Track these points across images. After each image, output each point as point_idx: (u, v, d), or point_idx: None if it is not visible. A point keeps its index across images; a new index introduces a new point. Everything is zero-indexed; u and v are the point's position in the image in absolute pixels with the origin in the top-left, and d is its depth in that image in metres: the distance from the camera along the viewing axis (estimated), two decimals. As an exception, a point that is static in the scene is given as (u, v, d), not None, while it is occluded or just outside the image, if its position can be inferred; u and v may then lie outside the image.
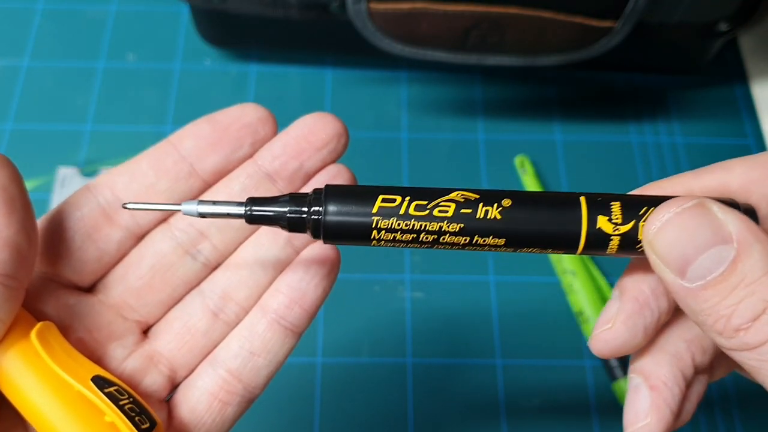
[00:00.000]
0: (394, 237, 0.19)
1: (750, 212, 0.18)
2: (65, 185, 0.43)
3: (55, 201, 0.43)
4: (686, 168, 0.49)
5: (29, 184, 0.46)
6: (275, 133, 0.24)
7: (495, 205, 0.18)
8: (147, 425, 0.20)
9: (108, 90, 0.49)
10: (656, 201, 0.18)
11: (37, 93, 0.49)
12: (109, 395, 0.20)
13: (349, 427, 0.40)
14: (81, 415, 0.20)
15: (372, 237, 0.19)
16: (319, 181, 0.24)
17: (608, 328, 0.20)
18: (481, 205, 0.18)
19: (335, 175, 0.25)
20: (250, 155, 0.24)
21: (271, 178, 0.24)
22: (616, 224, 0.18)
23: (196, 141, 0.23)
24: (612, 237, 0.18)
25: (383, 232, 0.19)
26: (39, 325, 0.20)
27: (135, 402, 0.21)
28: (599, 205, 0.18)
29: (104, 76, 0.50)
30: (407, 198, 0.19)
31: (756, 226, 0.17)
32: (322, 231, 0.19)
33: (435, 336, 0.42)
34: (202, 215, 0.20)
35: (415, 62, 0.46)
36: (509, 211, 0.18)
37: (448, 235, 0.19)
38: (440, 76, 0.51)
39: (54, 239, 0.22)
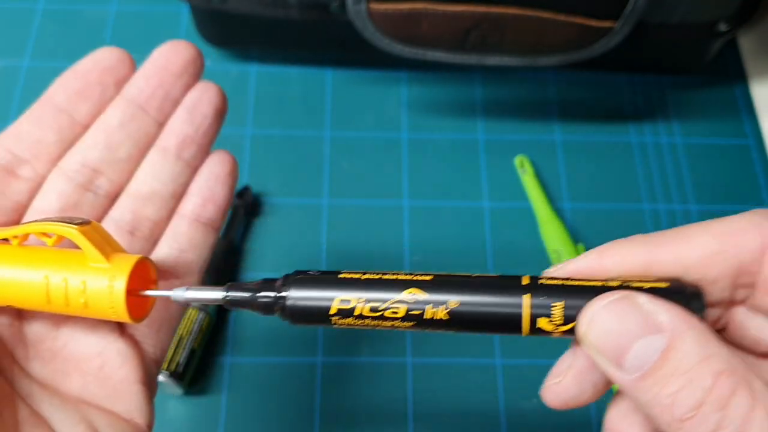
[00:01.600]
0: (352, 326, 0.21)
1: (694, 295, 0.18)
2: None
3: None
4: (686, 168, 0.49)
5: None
6: (134, 70, 0.26)
7: (442, 307, 0.20)
8: (79, 221, 0.22)
9: (108, 90, 0.50)
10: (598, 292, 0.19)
11: (38, 93, 0.49)
12: (29, 223, 0.22)
13: (349, 426, 0.40)
14: (30, 256, 0.21)
15: (333, 323, 0.21)
16: (189, 104, 0.26)
17: (557, 382, 0.20)
18: (429, 307, 0.20)
19: (202, 94, 0.26)
20: (117, 94, 0.26)
21: (143, 109, 0.26)
22: (556, 325, 0.19)
23: (66, 92, 0.25)
24: (553, 333, 0.19)
25: (342, 323, 0.21)
26: None
27: (60, 218, 0.22)
28: (541, 307, 0.19)
29: (105, 76, 0.50)
30: (362, 301, 0.21)
31: (688, 315, 0.17)
32: (288, 314, 0.21)
33: (434, 335, 0.42)
34: (188, 301, 0.22)
35: (415, 62, 0.46)
36: (455, 312, 0.20)
37: (401, 327, 0.21)
38: (440, 76, 0.51)
39: None
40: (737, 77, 0.52)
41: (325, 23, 0.44)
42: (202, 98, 0.26)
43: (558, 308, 0.19)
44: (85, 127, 0.25)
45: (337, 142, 0.48)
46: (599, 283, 0.19)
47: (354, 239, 0.45)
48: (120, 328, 0.24)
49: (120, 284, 0.21)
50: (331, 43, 0.48)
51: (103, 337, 0.23)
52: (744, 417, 0.15)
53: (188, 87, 0.26)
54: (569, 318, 0.18)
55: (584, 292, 0.18)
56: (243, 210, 0.44)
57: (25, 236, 0.22)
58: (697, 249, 0.18)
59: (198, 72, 0.26)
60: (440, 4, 0.39)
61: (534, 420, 0.40)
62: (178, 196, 0.26)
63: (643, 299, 0.17)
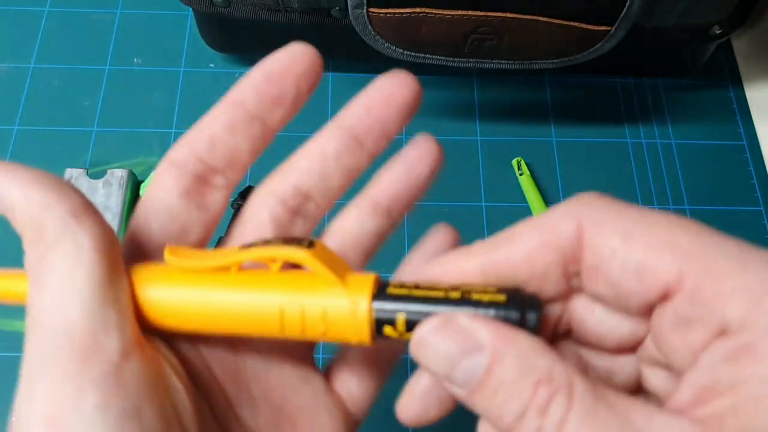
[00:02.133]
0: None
1: (532, 301, 0.18)
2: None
3: (63, 201, 0.44)
4: (681, 169, 0.49)
5: (37, 185, 0.47)
6: (321, 72, 0.24)
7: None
8: (306, 243, 0.20)
9: (114, 93, 0.50)
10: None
11: (44, 95, 0.50)
12: (255, 244, 0.20)
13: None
14: (258, 282, 0.20)
15: None
16: (408, 161, 0.25)
17: (406, 400, 0.21)
18: None
19: (422, 153, 0.26)
20: (307, 99, 0.24)
21: (359, 142, 0.25)
22: (401, 332, 0.19)
23: (260, 98, 0.23)
24: (400, 339, 0.19)
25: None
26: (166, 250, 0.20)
27: (286, 239, 0.20)
28: (386, 316, 0.19)
29: (110, 78, 0.51)
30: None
31: (509, 331, 0.17)
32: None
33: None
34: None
35: (414, 65, 0.46)
36: None
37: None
38: (439, 80, 0.52)
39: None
40: (731, 80, 0.53)
41: (326, 28, 0.45)
42: (422, 157, 0.25)
43: (401, 320, 0.19)
44: (273, 133, 0.24)
45: (338, 144, 0.49)
46: (442, 294, 0.19)
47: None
48: (328, 380, 0.23)
49: (363, 306, 0.19)
50: (333, 48, 0.49)
51: (314, 389, 0.22)
52: (561, 419, 0.16)
53: (405, 124, 0.25)
54: (410, 328, 0.19)
55: (427, 302, 0.19)
56: None
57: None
58: (522, 246, 0.19)
59: (416, 110, 0.25)
60: (439, 9, 0.40)
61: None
62: (374, 248, 0.25)
63: (465, 320, 0.18)
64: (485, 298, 0.18)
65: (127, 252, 0.21)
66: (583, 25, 0.41)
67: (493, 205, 0.47)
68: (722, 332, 0.17)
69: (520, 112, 0.51)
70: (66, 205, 0.19)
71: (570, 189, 0.48)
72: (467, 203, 0.47)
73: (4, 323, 0.42)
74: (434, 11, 0.40)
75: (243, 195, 0.45)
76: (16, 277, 0.21)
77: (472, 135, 0.50)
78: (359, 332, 0.19)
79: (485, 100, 0.51)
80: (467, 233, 0.47)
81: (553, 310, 0.20)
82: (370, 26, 0.41)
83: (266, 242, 0.20)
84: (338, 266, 0.20)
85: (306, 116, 0.53)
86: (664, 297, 0.18)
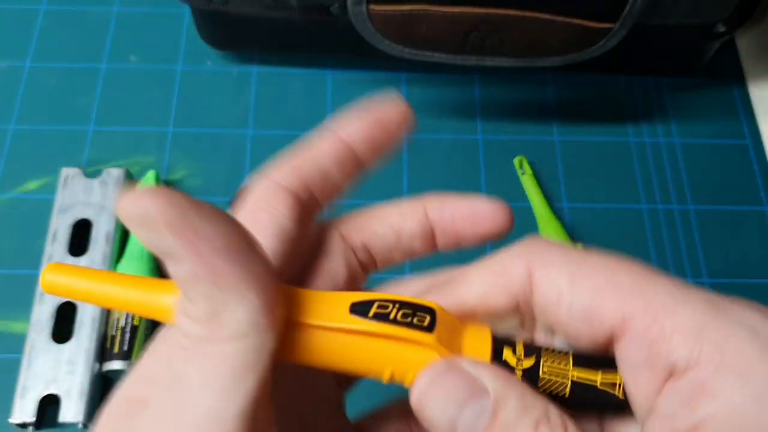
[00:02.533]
0: None
1: (503, 340, 0.19)
2: (68, 185, 0.44)
3: (59, 201, 0.43)
4: (684, 168, 0.49)
5: (32, 185, 0.46)
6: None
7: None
8: (427, 318, 0.19)
9: (110, 91, 0.50)
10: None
11: (40, 94, 0.50)
12: (376, 317, 0.18)
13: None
14: (373, 356, 0.19)
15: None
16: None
17: None
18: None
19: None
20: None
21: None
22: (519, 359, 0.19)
23: (366, 141, 0.23)
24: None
25: None
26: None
27: (402, 304, 0.19)
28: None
29: (106, 77, 0.50)
30: None
31: (510, 376, 0.18)
32: None
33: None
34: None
35: (415, 63, 0.46)
36: None
37: None
38: (440, 78, 0.51)
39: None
40: (735, 78, 0.53)
41: (325, 25, 0.45)
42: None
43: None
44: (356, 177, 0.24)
45: (337, 143, 0.49)
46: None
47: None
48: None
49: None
50: (332, 45, 0.49)
51: None
52: None
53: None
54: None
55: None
56: None
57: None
58: (474, 289, 0.20)
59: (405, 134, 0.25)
60: (440, 6, 0.39)
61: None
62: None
63: (467, 365, 0.18)
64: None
65: None
66: (586, 23, 0.40)
67: (495, 205, 0.47)
68: (672, 373, 0.17)
69: (522, 111, 0.51)
70: (260, 297, 0.16)
71: (572, 188, 0.48)
72: (468, 203, 0.47)
73: (4, 324, 0.42)
74: (435, 8, 0.39)
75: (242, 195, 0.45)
76: (158, 288, 0.19)
77: (474, 134, 0.49)
78: None
79: (487, 98, 0.51)
80: (468, 233, 0.46)
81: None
82: (370, 23, 0.41)
83: (398, 302, 0.19)
84: (453, 332, 0.19)
85: (306, 116, 0.53)
86: (612, 340, 0.18)
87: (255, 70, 0.51)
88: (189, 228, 0.16)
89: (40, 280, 0.19)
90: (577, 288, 0.18)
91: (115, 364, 0.39)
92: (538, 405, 0.17)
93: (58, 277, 0.19)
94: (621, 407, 0.19)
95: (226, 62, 0.52)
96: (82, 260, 0.42)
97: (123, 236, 0.43)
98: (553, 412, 0.17)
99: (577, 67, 0.46)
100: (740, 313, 0.17)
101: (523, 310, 0.19)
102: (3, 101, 0.49)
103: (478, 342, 0.19)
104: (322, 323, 0.18)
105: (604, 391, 0.19)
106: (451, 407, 0.17)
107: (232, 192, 0.45)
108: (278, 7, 0.43)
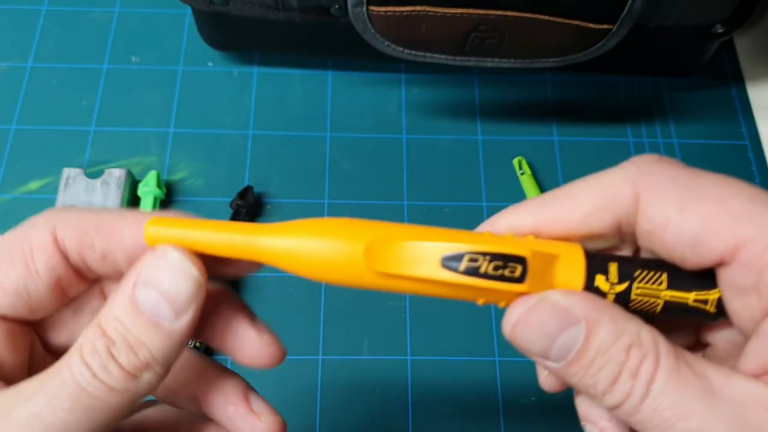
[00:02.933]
0: None
1: (597, 264, 0.19)
2: (69, 186, 0.44)
3: (60, 201, 0.43)
4: (683, 169, 0.49)
5: (34, 185, 0.46)
6: None
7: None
8: (519, 268, 0.19)
9: (112, 91, 0.50)
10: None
11: (42, 94, 0.50)
12: (468, 271, 0.19)
13: (351, 421, 0.40)
14: (468, 295, 0.20)
15: None
16: None
17: (544, 377, 0.23)
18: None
19: None
20: None
21: None
22: (612, 283, 0.19)
23: None
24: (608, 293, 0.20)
25: None
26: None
27: (492, 256, 0.19)
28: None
29: (108, 77, 0.51)
30: None
31: (600, 301, 0.18)
32: None
33: (434, 334, 0.43)
34: None
35: (415, 64, 0.46)
36: None
37: None
38: (439, 78, 0.52)
39: None
40: (734, 79, 0.53)
41: (325, 26, 0.45)
42: None
43: (613, 267, 0.20)
44: None
45: (337, 143, 0.49)
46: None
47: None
48: None
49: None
50: (332, 46, 0.49)
51: None
52: (649, 379, 0.17)
53: None
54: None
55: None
56: (245, 210, 0.45)
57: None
58: (578, 207, 0.20)
59: None
60: (440, 7, 0.40)
61: (533, 417, 0.41)
62: None
63: (557, 296, 0.18)
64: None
65: None
66: (585, 24, 0.41)
67: (494, 205, 0.47)
68: None
69: (522, 111, 0.51)
70: None
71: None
72: (468, 203, 0.47)
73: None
74: (435, 9, 0.40)
75: (242, 195, 0.45)
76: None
77: (473, 134, 0.50)
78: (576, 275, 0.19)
79: (486, 99, 0.51)
80: (468, 233, 0.47)
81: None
82: (370, 25, 0.41)
83: (475, 267, 0.19)
84: (549, 265, 0.20)
85: (307, 116, 0.53)
86: (720, 264, 0.18)
87: (256, 71, 0.51)
88: None
89: (144, 232, 0.20)
90: (687, 214, 0.18)
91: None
92: (630, 328, 0.18)
93: (161, 229, 0.20)
94: (715, 319, 0.19)
95: (227, 63, 0.52)
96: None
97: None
98: (645, 333, 0.18)
99: (577, 68, 0.46)
100: None
101: (625, 232, 0.19)
102: (5, 102, 0.49)
103: (571, 270, 0.19)
104: (416, 274, 0.19)
105: (696, 308, 0.19)
106: (545, 338, 0.18)
107: (233, 192, 0.45)
108: (279, 8, 0.44)
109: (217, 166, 0.48)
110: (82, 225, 0.20)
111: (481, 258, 0.19)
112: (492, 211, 0.47)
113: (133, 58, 0.52)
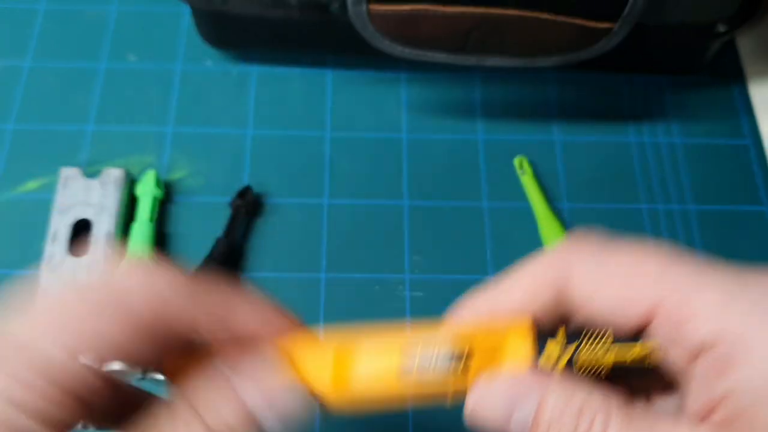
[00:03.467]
0: None
1: (545, 335, 0.21)
2: (67, 185, 0.44)
3: (58, 201, 0.43)
4: (684, 168, 0.49)
5: (32, 185, 0.46)
6: None
7: None
8: (461, 362, 0.21)
9: (110, 90, 0.50)
10: None
11: (39, 93, 0.50)
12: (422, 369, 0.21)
13: (351, 420, 0.40)
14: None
15: None
16: None
17: None
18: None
19: None
20: None
21: None
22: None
23: None
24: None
25: None
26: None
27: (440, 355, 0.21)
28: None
29: (106, 76, 0.50)
30: None
31: (547, 373, 0.20)
32: None
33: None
34: None
35: (415, 63, 0.46)
36: None
37: None
38: (440, 77, 0.51)
39: None
40: (736, 78, 0.53)
41: (325, 24, 0.45)
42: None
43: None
44: None
45: (337, 143, 0.48)
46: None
47: (354, 239, 0.45)
48: None
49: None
50: (332, 44, 0.49)
51: None
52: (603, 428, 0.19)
53: None
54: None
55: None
56: (244, 210, 0.45)
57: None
58: (518, 295, 0.22)
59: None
60: (440, 6, 0.39)
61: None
62: None
63: (505, 377, 0.20)
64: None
65: None
66: (586, 22, 0.40)
67: (495, 205, 0.47)
68: (702, 349, 0.19)
69: (522, 110, 0.51)
70: None
71: (573, 187, 0.48)
72: (468, 203, 0.47)
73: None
74: (435, 7, 0.39)
75: (241, 195, 0.45)
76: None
77: (473, 133, 0.49)
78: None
79: (487, 98, 0.51)
80: (468, 233, 0.47)
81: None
82: (369, 23, 0.41)
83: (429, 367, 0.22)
84: (497, 345, 0.21)
85: (306, 115, 0.53)
86: (646, 323, 0.20)
87: (255, 70, 0.51)
88: None
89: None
90: (606, 284, 0.20)
91: (116, 365, 0.39)
92: (579, 393, 0.19)
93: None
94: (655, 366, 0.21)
95: (226, 61, 0.51)
96: (83, 261, 0.42)
97: (123, 236, 0.43)
98: (596, 394, 0.19)
99: (578, 67, 0.46)
100: (765, 285, 0.19)
101: (563, 310, 0.21)
102: (2, 101, 0.49)
103: (519, 346, 0.21)
104: (372, 393, 0.22)
105: (638, 366, 0.21)
106: (499, 416, 0.20)
107: (232, 191, 0.45)
108: (278, 6, 0.43)
109: (216, 165, 0.47)
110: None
111: (433, 355, 0.21)
112: (492, 210, 0.46)
113: (131, 57, 0.51)
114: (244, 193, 0.45)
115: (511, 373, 0.20)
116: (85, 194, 0.44)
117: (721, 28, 0.45)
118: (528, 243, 0.45)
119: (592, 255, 0.21)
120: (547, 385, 0.19)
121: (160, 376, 0.22)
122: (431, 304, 0.43)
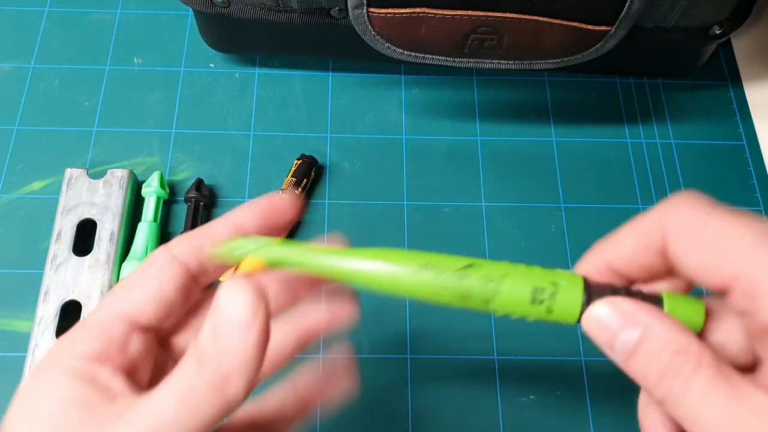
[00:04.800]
0: None
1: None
2: (72, 186, 0.44)
3: (63, 201, 0.44)
4: (681, 169, 0.49)
5: (37, 185, 0.47)
6: None
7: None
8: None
9: (114, 92, 0.50)
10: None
11: (44, 95, 0.50)
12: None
13: (351, 419, 0.41)
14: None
15: None
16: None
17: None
18: None
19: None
20: None
21: None
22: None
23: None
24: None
25: None
26: None
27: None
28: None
29: (110, 78, 0.51)
30: None
31: (659, 313, 0.22)
32: None
33: (434, 333, 0.43)
34: None
35: (415, 66, 0.46)
36: None
37: None
38: (439, 79, 0.52)
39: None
40: (731, 80, 0.53)
41: (326, 28, 0.45)
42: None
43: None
44: None
45: (338, 144, 0.49)
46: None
47: (354, 239, 0.45)
48: None
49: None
50: (333, 47, 0.49)
51: None
52: (688, 378, 0.21)
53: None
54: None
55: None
56: (203, 204, 0.45)
57: None
58: (625, 250, 0.24)
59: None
60: (439, 9, 0.40)
61: (532, 417, 0.41)
62: None
63: (626, 303, 0.22)
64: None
65: None
66: (583, 26, 0.41)
67: (495, 205, 0.47)
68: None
69: (521, 112, 0.51)
70: None
71: (569, 189, 0.48)
72: (468, 203, 0.47)
73: (9, 323, 0.42)
74: (434, 11, 0.40)
75: (197, 187, 0.45)
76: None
77: (473, 135, 0.50)
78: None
79: (485, 100, 0.51)
80: (467, 233, 0.47)
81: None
82: (370, 26, 0.41)
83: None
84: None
85: (307, 118, 0.53)
86: (726, 291, 0.21)
87: (257, 73, 0.52)
88: None
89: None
90: (698, 245, 0.22)
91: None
92: (680, 339, 0.21)
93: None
94: None
95: (229, 64, 0.52)
96: (87, 260, 0.42)
97: (127, 236, 0.44)
98: (694, 346, 0.21)
99: (575, 69, 0.47)
100: None
101: (666, 266, 0.23)
102: (7, 102, 0.49)
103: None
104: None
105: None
106: (609, 331, 0.22)
107: (235, 192, 0.46)
108: (280, 10, 0.44)
109: (219, 166, 0.48)
110: (191, 239, 0.25)
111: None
112: (491, 211, 0.47)
113: (136, 60, 0.52)
114: (198, 186, 0.45)
115: (629, 301, 0.22)
116: (90, 194, 0.44)
117: (717, 31, 0.45)
118: (528, 243, 0.46)
119: (693, 216, 0.22)
120: (656, 319, 0.22)
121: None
122: (431, 304, 0.43)
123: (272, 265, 0.25)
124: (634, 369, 0.22)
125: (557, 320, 0.24)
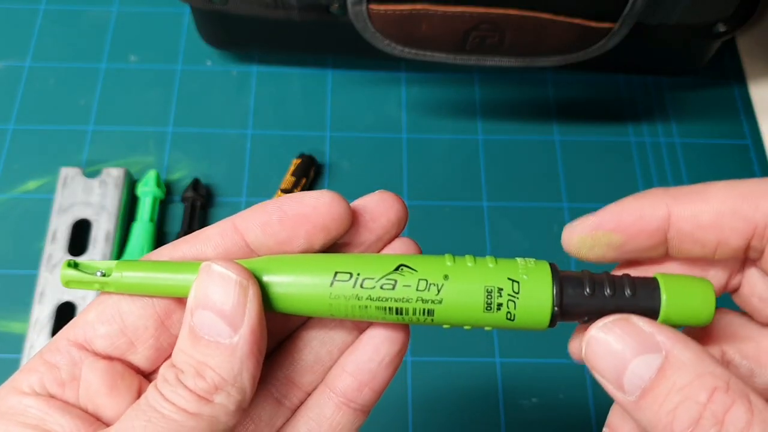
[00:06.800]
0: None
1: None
2: (67, 185, 0.44)
3: (58, 201, 0.43)
4: (684, 168, 0.49)
5: (32, 185, 0.46)
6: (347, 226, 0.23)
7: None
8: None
9: (110, 91, 0.50)
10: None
11: (40, 93, 0.50)
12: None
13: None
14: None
15: None
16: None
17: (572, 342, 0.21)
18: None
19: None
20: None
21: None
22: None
23: (264, 231, 0.21)
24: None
25: None
26: None
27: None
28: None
29: (106, 76, 0.50)
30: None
31: (683, 335, 0.17)
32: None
33: (434, 334, 0.42)
34: None
35: (415, 63, 0.46)
36: None
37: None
38: (439, 77, 0.51)
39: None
40: (735, 78, 0.53)
41: (325, 24, 0.45)
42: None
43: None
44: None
45: (337, 143, 0.49)
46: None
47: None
48: None
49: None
50: (332, 44, 0.49)
51: None
52: (742, 429, 0.15)
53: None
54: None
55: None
56: (200, 203, 0.44)
57: None
58: (713, 207, 0.19)
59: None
60: (440, 6, 0.39)
61: (533, 418, 0.41)
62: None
63: (641, 321, 0.17)
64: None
65: None
66: (586, 22, 0.40)
67: (495, 205, 0.47)
68: None
69: (522, 110, 0.51)
70: None
71: (572, 188, 0.48)
72: (468, 203, 0.47)
73: (4, 325, 0.42)
74: (435, 7, 0.39)
75: (193, 186, 0.45)
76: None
77: (473, 133, 0.49)
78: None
79: (487, 98, 0.51)
80: (468, 233, 0.47)
81: (720, 275, 0.20)
82: (369, 23, 0.41)
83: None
84: None
85: (306, 115, 0.53)
86: (746, 245, 0.18)
87: (255, 70, 0.51)
88: None
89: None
90: (707, 206, 0.18)
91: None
92: (717, 371, 0.16)
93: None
94: None
95: (226, 62, 0.51)
96: (82, 259, 0.42)
97: (122, 236, 0.43)
98: (735, 380, 0.16)
99: (578, 67, 0.46)
100: None
101: (752, 244, 0.19)
102: (2, 101, 0.49)
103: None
104: None
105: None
106: (619, 358, 0.17)
107: (232, 191, 0.45)
108: (278, 6, 0.43)
109: (216, 165, 0.47)
110: (170, 251, 0.20)
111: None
112: (492, 211, 0.46)
113: (132, 57, 0.51)
114: (196, 186, 0.45)
115: (644, 320, 0.17)
116: (85, 194, 0.44)
117: (721, 29, 0.45)
118: (528, 243, 0.45)
119: (688, 189, 0.19)
120: (682, 344, 0.17)
121: None
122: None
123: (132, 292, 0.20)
124: (650, 411, 0.16)
125: (523, 328, 0.19)
